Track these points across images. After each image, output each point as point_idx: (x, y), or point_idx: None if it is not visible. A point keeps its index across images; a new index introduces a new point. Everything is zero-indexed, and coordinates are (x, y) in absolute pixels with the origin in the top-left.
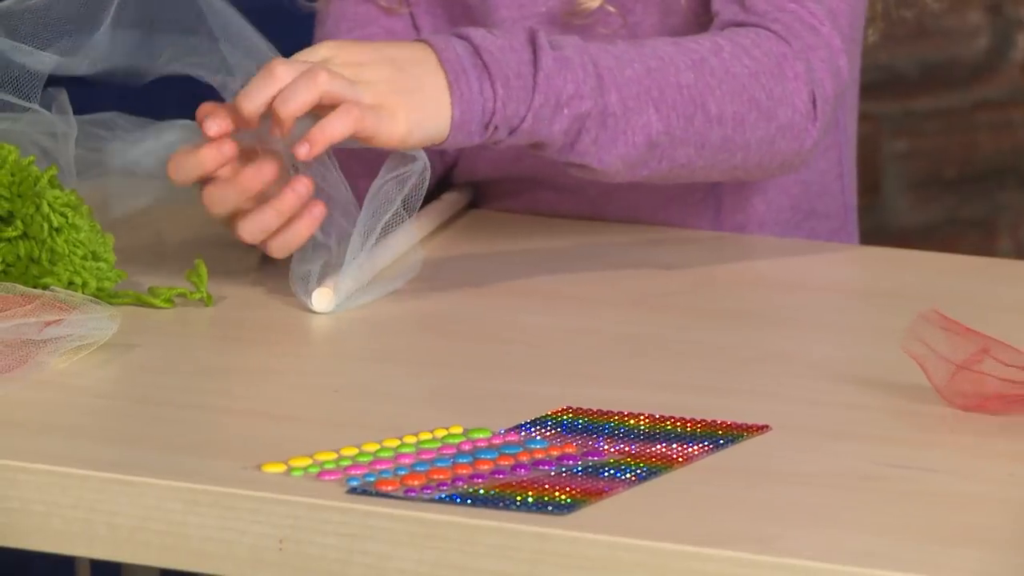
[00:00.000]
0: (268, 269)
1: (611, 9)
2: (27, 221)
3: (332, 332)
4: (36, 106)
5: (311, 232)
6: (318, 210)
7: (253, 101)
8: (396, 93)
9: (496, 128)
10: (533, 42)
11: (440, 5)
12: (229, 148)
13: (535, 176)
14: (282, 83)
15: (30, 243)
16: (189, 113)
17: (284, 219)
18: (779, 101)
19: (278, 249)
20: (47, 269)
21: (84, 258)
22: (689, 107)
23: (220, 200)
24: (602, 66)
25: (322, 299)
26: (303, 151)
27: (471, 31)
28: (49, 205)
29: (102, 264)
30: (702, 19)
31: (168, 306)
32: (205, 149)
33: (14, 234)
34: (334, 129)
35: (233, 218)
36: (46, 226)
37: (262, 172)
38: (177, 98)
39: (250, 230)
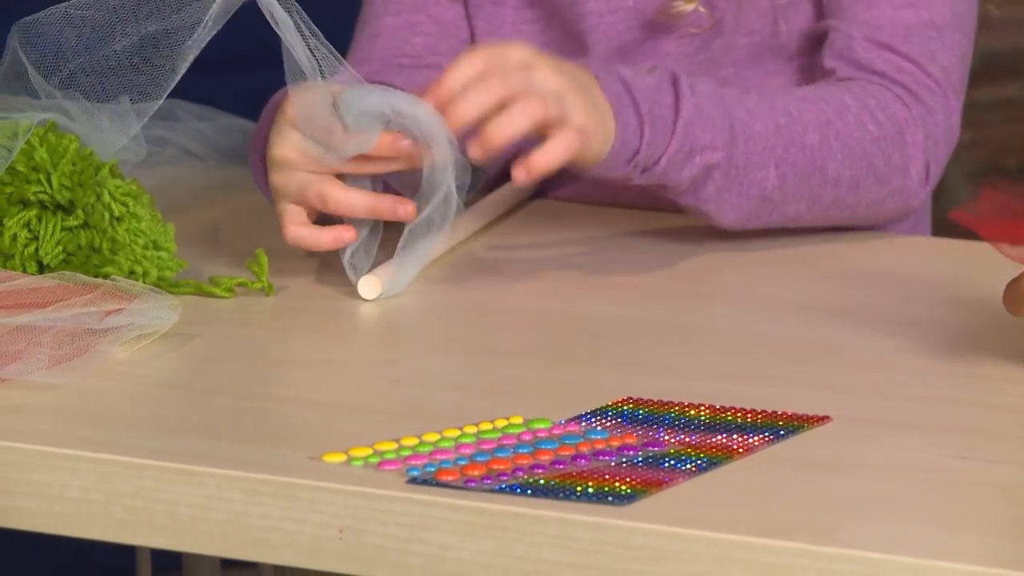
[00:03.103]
0: (328, 258)
1: (702, 10)
2: (88, 210)
3: (393, 322)
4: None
5: (334, 247)
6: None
7: (455, 83)
8: (595, 116)
9: (635, 166)
10: (675, 86)
11: (533, 6)
12: (350, 236)
13: None
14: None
15: (91, 232)
16: (248, 103)
17: (368, 213)
18: (896, 168)
19: (298, 237)
20: (108, 258)
21: (145, 247)
22: (808, 167)
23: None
24: (735, 117)
25: (367, 287)
26: (521, 176)
27: (617, 66)
28: (110, 194)
29: (163, 253)
30: (783, 29)
31: (229, 296)
32: (328, 238)
33: (75, 223)
34: (557, 157)
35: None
36: (107, 215)
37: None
38: (240, 87)
39: (338, 198)
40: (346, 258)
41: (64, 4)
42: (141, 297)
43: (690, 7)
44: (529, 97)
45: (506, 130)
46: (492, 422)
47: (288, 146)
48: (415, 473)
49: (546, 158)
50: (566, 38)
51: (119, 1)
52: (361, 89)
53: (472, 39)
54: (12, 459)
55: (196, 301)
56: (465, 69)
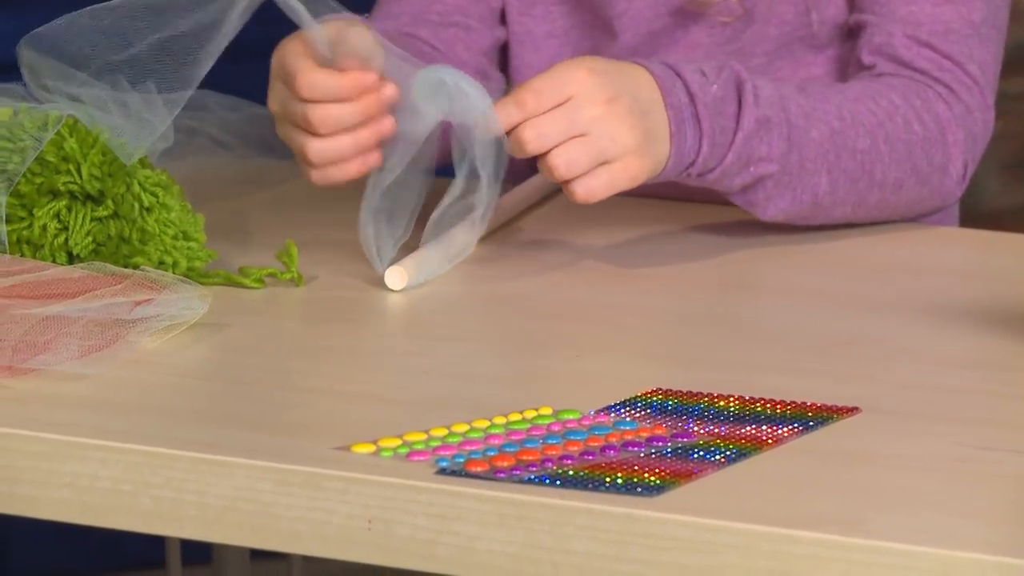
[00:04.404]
0: (358, 249)
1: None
2: (118, 200)
3: (423, 313)
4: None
5: (363, 171)
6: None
7: (530, 109)
8: (640, 144)
9: (688, 175)
10: (739, 92)
11: None
12: (375, 159)
13: None
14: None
15: (121, 223)
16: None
17: (356, 152)
18: (937, 168)
19: (323, 178)
20: (138, 249)
21: (175, 238)
22: (858, 172)
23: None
24: (793, 124)
25: (394, 277)
26: (581, 194)
27: (683, 68)
28: (140, 184)
29: (193, 244)
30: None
31: (259, 286)
32: (354, 165)
33: (105, 214)
34: (601, 194)
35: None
36: (137, 206)
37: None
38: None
39: (319, 150)
40: (372, 247)
41: (72, 15)
42: (170, 287)
43: None
44: (592, 147)
45: (560, 171)
46: (521, 413)
47: (275, 101)
48: (444, 464)
49: (587, 194)
50: (595, 22)
51: (130, 9)
52: (433, 66)
53: (503, 15)
54: (42, 449)
55: (225, 292)
56: (545, 97)
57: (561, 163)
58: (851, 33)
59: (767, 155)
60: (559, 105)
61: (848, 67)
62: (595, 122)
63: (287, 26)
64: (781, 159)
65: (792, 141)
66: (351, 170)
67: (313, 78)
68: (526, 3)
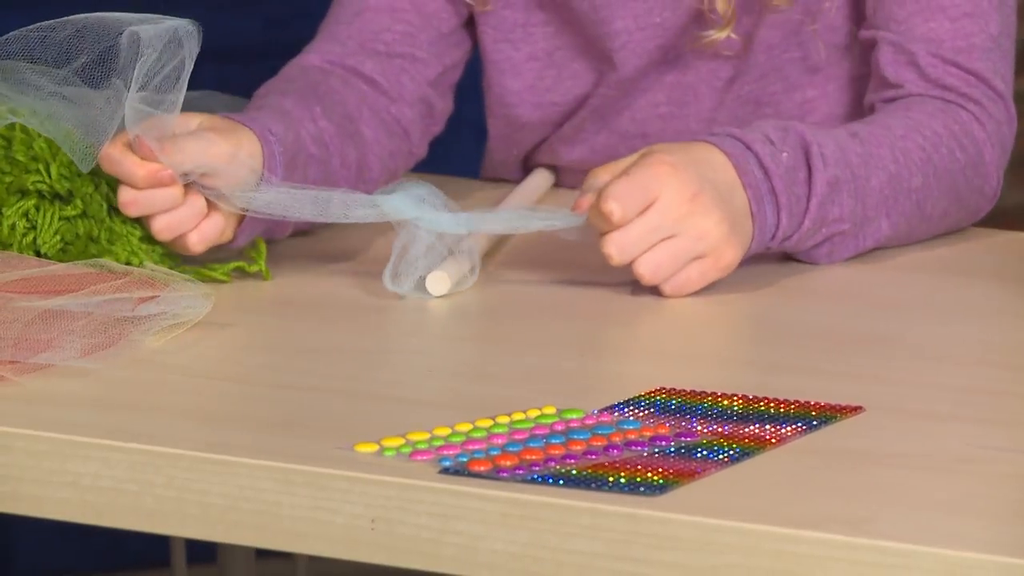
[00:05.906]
0: (362, 251)
1: (734, 36)
2: (86, 200)
3: (426, 312)
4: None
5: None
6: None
7: (591, 234)
8: (728, 234)
9: (769, 247)
10: (807, 155)
11: (544, 8)
12: (167, 175)
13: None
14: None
15: (89, 222)
16: None
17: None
18: (976, 190)
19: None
20: (105, 248)
21: (142, 238)
22: (913, 210)
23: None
24: (857, 176)
25: (437, 283)
26: (668, 291)
27: (752, 139)
28: (108, 184)
29: (158, 247)
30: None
31: (227, 280)
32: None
33: (73, 213)
34: (694, 287)
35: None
36: (105, 205)
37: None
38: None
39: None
40: (389, 270)
41: (22, 30)
42: (173, 286)
43: (723, 35)
44: (679, 248)
45: (646, 278)
46: (525, 412)
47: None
48: (447, 463)
49: (676, 290)
50: (586, 46)
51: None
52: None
53: (479, 43)
54: (45, 448)
55: (229, 291)
56: (630, 204)
57: (647, 271)
58: (863, 51)
59: (839, 216)
60: (646, 209)
61: (846, 85)
62: (681, 222)
63: (292, 28)
64: (852, 216)
65: (858, 196)
66: (140, 174)
67: (110, 153)
68: (503, 30)
